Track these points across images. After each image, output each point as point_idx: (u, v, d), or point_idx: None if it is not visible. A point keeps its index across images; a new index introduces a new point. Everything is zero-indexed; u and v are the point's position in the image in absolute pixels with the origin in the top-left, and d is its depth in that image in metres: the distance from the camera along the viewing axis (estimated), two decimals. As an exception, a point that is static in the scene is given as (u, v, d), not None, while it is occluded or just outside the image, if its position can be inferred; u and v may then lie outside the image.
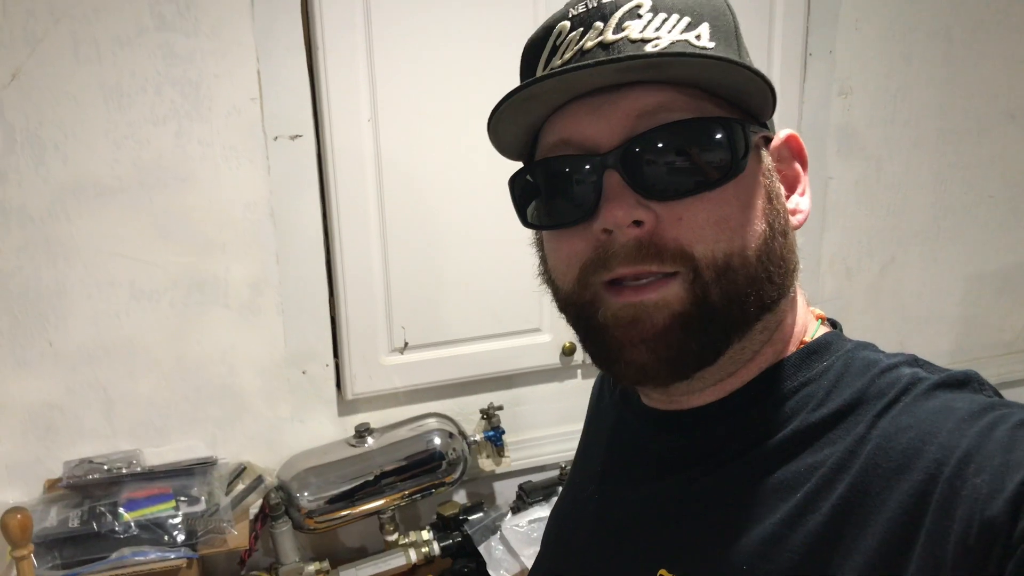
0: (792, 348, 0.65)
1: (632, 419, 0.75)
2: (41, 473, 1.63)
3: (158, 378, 1.66)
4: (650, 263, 0.58)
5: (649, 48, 0.58)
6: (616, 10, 0.60)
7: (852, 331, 0.70)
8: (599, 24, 0.60)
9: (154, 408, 1.67)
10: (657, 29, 0.59)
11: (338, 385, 1.80)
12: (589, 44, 0.60)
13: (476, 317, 1.83)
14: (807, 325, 0.67)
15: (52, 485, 1.62)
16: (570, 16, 0.62)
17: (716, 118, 0.60)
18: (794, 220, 0.65)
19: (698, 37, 0.60)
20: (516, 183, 0.67)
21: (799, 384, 0.63)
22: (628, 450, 0.75)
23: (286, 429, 1.77)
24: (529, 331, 1.87)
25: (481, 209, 1.75)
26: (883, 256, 2.21)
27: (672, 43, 0.59)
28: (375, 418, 1.80)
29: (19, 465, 1.61)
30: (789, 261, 0.63)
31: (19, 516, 1.33)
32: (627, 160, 0.59)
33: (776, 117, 2.08)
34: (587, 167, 0.60)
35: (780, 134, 0.67)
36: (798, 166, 0.68)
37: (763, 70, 1.97)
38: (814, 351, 0.65)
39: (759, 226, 0.60)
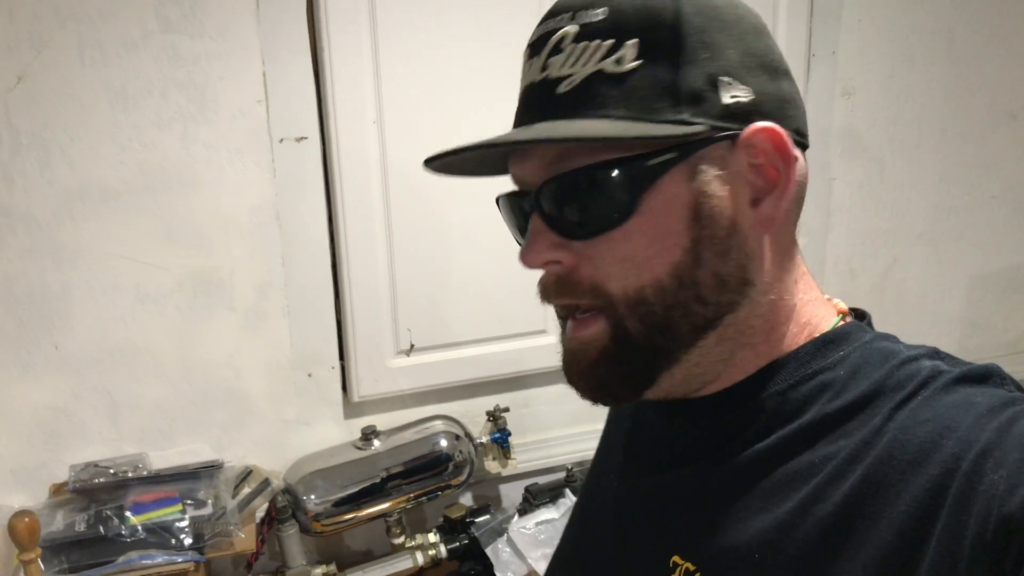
0: (800, 340, 0.64)
1: (648, 408, 0.76)
2: (47, 478, 1.62)
3: (164, 382, 1.66)
4: (568, 297, 0.64)
5: (562, 87, 0.59)
6: (546, 44, 0.61)
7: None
8: (534, 60, 0.63)
9: (160, 412, 1.67)
10: (572, 65, 0.59)
11: (344, 388, 1.80)
12: (525, 83, 0.64)
13: (482, 319, 1.83)
14: (818, 319, 0.65)
15: (58, 489, 1.62)
16: (529, 42, 0.64)
17: (606, 163, 0.59)
18: (758, 224, 0.61)
19: (619, 60, 0.58)
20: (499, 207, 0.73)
21: (813, 372, 0.62)
22: (645, 439, 0.76)
23: (292, 432, 1.77)
24: (534, 333, 1.87)
25: (486, 211, 1.74)
26: (887, 257, 2.21)
27: (585, 78, 0.59)
28: (381, 420, 1.80)
29: (25, 469, 1.61)
30: (729, 276, 0.60)
31: (27, 519, 1.32)
32: (540, 204, 0.63)
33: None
34: (520, 207, 0.67)
35: (750, 127, 0.60)
36: (777, 161, 0.61)
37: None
38: (830, 341, 0.64)
39: (673, 255, 0.59)
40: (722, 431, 0.65)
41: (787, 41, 1.91)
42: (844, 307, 0.69)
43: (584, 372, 0.64)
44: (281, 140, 1.63)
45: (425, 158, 0.66)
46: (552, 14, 0.62)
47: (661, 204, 0.59)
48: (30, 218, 1.51)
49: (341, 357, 1.78)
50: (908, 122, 2.13)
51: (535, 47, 0.63)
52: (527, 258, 0.64)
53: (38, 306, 1.55)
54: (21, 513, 1.33)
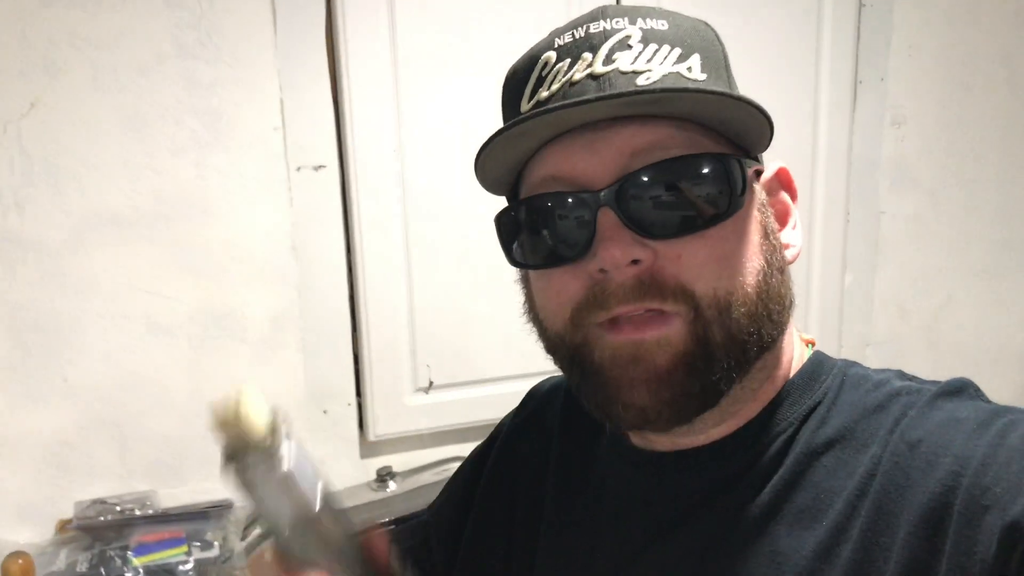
0: (791, 372, 0.65)
1: (630, 462, 0.68)
2: (53, 513, 1.58)
3: (174, 415, 1.61)
4: (652, 300, 0.56)
5: (641, 81, 0.57)
6: (605, 40, 0.58)
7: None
8: (587, 55, 0.58)
9: (169, 447, 1.62)
10: (648, 61, 0.58)
11: (360, 425, 1.73)
12: (578, 76, 0.58)
13: (506, 354, 1.75)
14: (799, 351, 0.67)
15: (63, 526, 1.57)
16: (556, 47, 0.61)
17: (713, 154, 0.58)
18: (788, 255, 0.64)
19: (689, 69, 0.59)
20: (503, 220, 0.65)
21: (808, 408, 0.62)
22: (634, 497, 0.67)
23: (306, 471, 1.70)
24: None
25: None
26: (940, 295, 2.09)
27: (664, 75, 0.57)
28: (398, 461, 1.72)
29: (31, 504, 1.56)
30: (786, 297, 0.62)
31: (20, 561, 1.29)
32: (622, 198, 0.57)
33: (825, 148, 1.97)
34: (580, 205, 0.58)
35: (771, 167, 0.66)
36: (787, 199, 0.67)
37: (810, 98, 1.86)
38: (813, 372, 0.64)
39: (757, 263, 0.59)
40: (727, 477, 0.62)
41: (831, 67, 1.82)
42: (808, 337, 0.70)
43: (650, 377, 0.56)
44: (298, 168, 1.58)
45: (509, 124, 0.58)
46: (600, 16, 0.60)
47: (748, 211, 0.60)
48: (41, 246, 1.48)
49: (358, 393, 1.71)
50: (963, 153, 2.02)
51: (582, 44, 0.59)
52: (613, 254, 0.56)
53: (47, 336, 1.51)
54: (15, 555, 1.30)
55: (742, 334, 0.58)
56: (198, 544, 1.53)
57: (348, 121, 1.57)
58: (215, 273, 1.57)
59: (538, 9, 1.62)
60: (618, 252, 0.56)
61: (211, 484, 1.65)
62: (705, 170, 0.57)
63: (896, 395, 0.60)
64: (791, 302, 0.63)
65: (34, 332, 1.51)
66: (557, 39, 0.61)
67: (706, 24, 0.64)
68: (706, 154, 0.58)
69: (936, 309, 2.09)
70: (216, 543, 1.53)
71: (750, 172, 0.61)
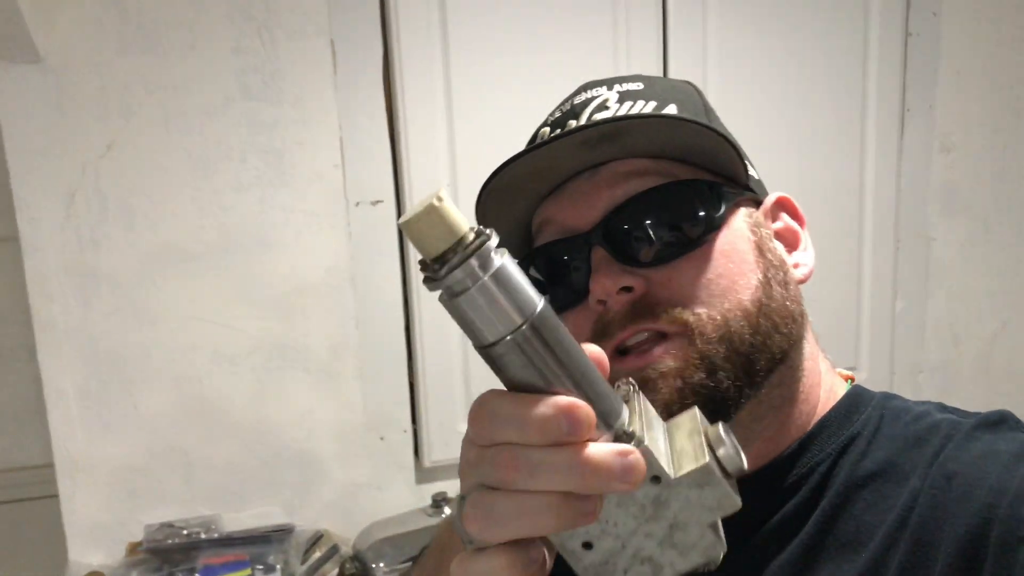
0: (828, 407, 0.66)
1: None
2: (124, 536, 1.64)
3: (237, 442, 1.66)
4: (646, 322, 0.59)
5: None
6: (586, 107, 0.64)
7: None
8: (572, 122, 0.64)
9: (233, 472, 1.67)
10: (626, 113, 0.63)
11: (416, 452, 1.77)
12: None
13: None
14: (837, 386, 0.68)
15: (133, 548, 1.63)
16: (549, 122, 0.68)
17: (685, 180, 0.62)
18: (798, 273, 0.67)
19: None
20: None
21: (846, 439, 0.63)
22: None
23: (363, 496, 1.75)
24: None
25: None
26: (994, 321, 2.07)
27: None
28: (453, 487, 1.76)
29: (103, 527, 1.63)
30: (793, 311, 0.64)
31: (96, 581, 1.33)
32: (608, 234, 0.61)
33: (873, 175, 1.97)
34: (574, 247, 0.63)
35: (770, 196, 0.69)
36: (795, 225, 0.70)
37: (856, 125, 1.87)
38: (851, 406, 0.65)
39: (753, 277, 0.61)
40: (770, 509, 0.63)
41: (878, 95, 1.83)
42: (847, 373, 0.72)
43: (658, 401, 0.57)
44: (357, 203, 1.64)
45: (501, 164, 0.63)
46: (583, 89, 0.67)
47: (735, 230, 0.63)
48: (114, 280, 1.56)
49: (413, 420, 1.76)
50: (1016, 178, 2.00)
51: (568, 114, 0.65)
52: (604, 284, 0.59)
53: (119, 366, 1.58)
54: (92, 574, 1.34)
55: (744, 346, 0.59)
56: (261, 567, 1.58)
57: (404, 158, 1.62)
58: (277, 304, 1.63)
59: (587, 47, 1.66)
60: (608, 281, 0.59)
61: (272, 509, 1.70)
62: (678, 195, 0.61)
63: (936, 427, 0.61)
64: (802, 316, 0.65)
65: (108, 362, 1.58)
66: (550, 117, 0.68)
67: (686, 82, 0.69)
68: (678, 181, 0.62)
69: (990, 336, 2.07)
70: (278, 566, 1.58)
71: (742, 196, 0.65)
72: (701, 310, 0.59)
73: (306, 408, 1.68)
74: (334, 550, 1.64)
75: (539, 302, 0.39)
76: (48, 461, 1.59)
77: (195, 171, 1.56)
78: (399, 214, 1.67)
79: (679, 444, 0.42)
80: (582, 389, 0.39)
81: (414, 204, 0.38)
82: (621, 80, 0.66)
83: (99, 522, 1.63)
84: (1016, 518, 0.51)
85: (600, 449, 0.38)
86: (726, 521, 0.59)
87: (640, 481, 0.39)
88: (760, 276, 0.62)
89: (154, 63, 1.51)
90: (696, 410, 0.43)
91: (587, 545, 0.42)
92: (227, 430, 1.66)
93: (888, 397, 0.66)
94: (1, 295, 1.87)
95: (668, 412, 0.56)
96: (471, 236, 0.37)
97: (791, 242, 0.69)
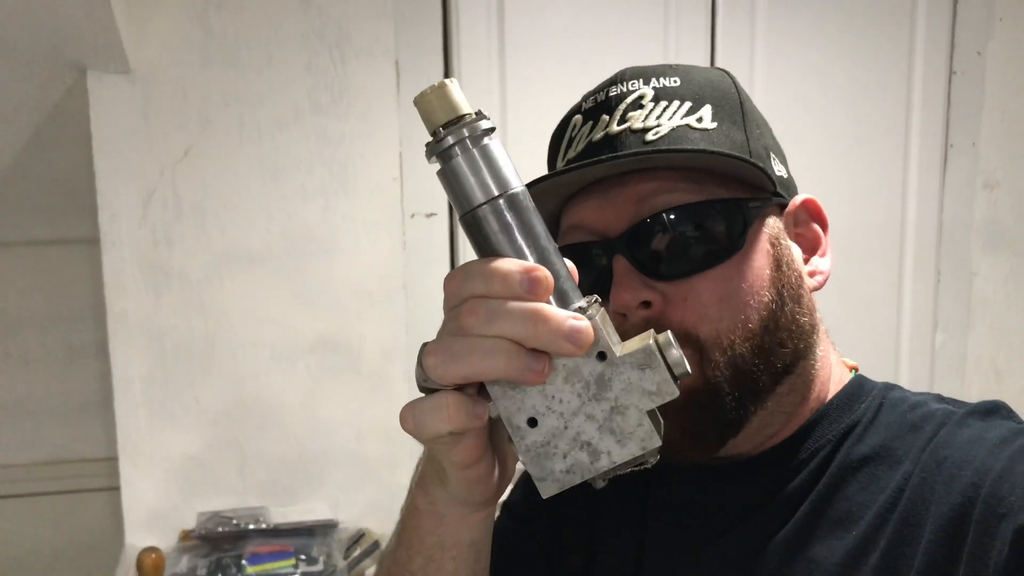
0: (828, 395, 0.68)
1: (680, 475, 0.71)
2: (177, 523, 1.72)
3: (289, 438, 1.74)
4: None
5: (650, 136, 0.63)
6: (620, 103, 0.65)
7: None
8: (605, 117, 0.65)
9: (283, 467, 1.75)
10: (658, 117, 0.64)
11: (458, 458, 1.82)
12: (597, 136, 0.65)
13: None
14: (845, 377, 0.71)
15: (186, 535, 1.71)
16: (583, 110, 0.68)
17: (710, 201, 0.63)
18: (812, 282, 0.69)
19: (699, 120, 0.64)
20: None
21: (847, 426, 0.66)
22: (677, 507, 0.71)
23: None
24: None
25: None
26: (1038, 359, 2.07)
27: (672, 129, 0.63)
28: (492, 493, 1.80)
29: (159, 514, 1.71)
30: (804, 324, 0.66)
31: (153, 556, 1.42)
32: (632, 245, 0.63)
33: (915, 210, 1.99)
34: (598, 251, 0.64)
35: (796, 198, 0.70)
36: (818, 228, 0.71)
37: (899, 161, 1.90)
38: (853, 393, 0.68)
39: (765, 297, 0.63)
40: (772, 489, 0.66)
41: (921, 132, 1.87)
42: (851, 363, 0.74)
43: (670, 416, 0.61)
44: (412, 215, 1.73)
45: (539, 178, 0.64)
46: (618, 80, 0.67)
47: (756, 247, 0.64)
48: (184, 277, 1.66)
49: (457, 427, 1.81)
50: (1060, 217, 2.02)
51: (602, 107, 0.66)
52: (625, 296, 0.61)
53: (184, 359, 1.68)
54: (149, 549, 1.43)
55: (747, 366, 0.62)
56: (304, 558, 1.64)
57: (459, 173, 1.71)
58: (334, 307, 1.72)
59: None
60: (628, 296, 0.61)
61: (318, 504, 1.77)
62: (703, 215, 0.63)
63: (931, 416, 0.63)
64: (812, 327, 0.67)
65: (173, 354, 1.68)
66: (584, 102, 0.69)
67: (723, 72, 0.69)
68: (702, 201, 0.63)
69: (1033, 373, 2.07)
70: (321, 558, 1.64)
71: (768, 207, 0.66)
72: (711, 332, 0.61)
73: (356, 409, 1.76)
74: (375, 546, 1.69)
75: (518, 186, 0.46)
76: (108, 454, 1.68)
77: (264, 178, 1.67)
78: (452, 227, 1.75)
79: (630, 345, 0.46)
80: (546, 267, 0.45)
81: (430, 84, 0.46)
82: (658, 74, 0.66)
83: (155, 509, 1.71)
84: (997, 496, 0.54)
85: (554, 309, 0.44)
86: (735, 502, 0.62)
87: (587, 346, 0.43)
88: (774, 293, 0.63)
89: (232, 76, 1.63)
90: (651, 330, 0.47)
91: (532, 422, 0.45)
92: (281, 426, 1.74)
93: (889, 387, 0.69)
94: (78, 295, 1.99)
95: (678, 423, 0.59)
96: (469, 116, 0.45)
97: (812, 246, 0.70)
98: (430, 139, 0.46)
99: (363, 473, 1.78)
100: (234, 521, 1.70)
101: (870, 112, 1.86)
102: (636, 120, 0.64)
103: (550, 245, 0.46)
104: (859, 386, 0.69)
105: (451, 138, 0.45)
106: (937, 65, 1.88)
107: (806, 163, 1.86)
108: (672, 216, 0.62)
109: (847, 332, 0.71)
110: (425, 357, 0.46)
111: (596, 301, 0.47)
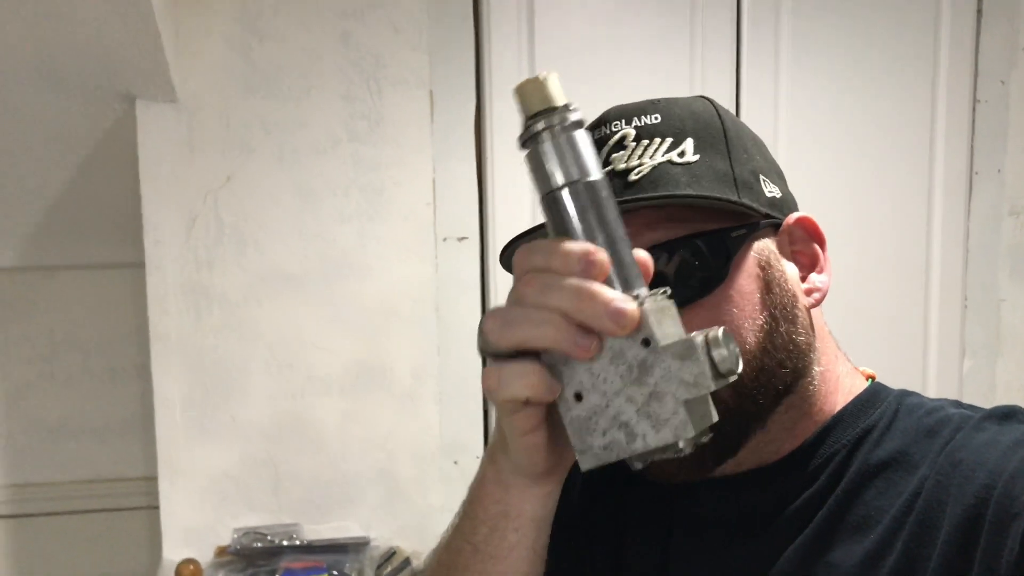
0: (844, 403, 0.70)
1: (700, 488, 0.72)
2: (213, 539, 1.76)
3: (323, 458, 1.78)
4: None
5: (632, 176, 0.65)
6: (604, 145, 0.67)
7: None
8: None
9: (317, 486, 1.79)
10: (640, 156, 0.66)
11: (487, 478, 1.85)
12: None
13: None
14: (857, 387, 0.71)
15: (222, 551, 1.74)
16: None
17: (689, 236, 0.65)
18: (809, 300, 0.69)
19: (681, 154, 0.66)
20: None
21: (862, 431, 0.67)
22: (703, 514, 0.72)
23: (437, 518, 1.83)
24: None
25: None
26: (1069, 387, 2.06)
27: (654, 168, 0.65)
28: (521, 514, 1.82)
29: (195, 530, 1.75)
30: (800, 343, 0.67)
31: (191, 567, 1.46)
32: None
33: (940, 236, 2.00)
34: None
35: (790, 217, 0.70)
36: (816, 246, 0.71)
37: (923, 188, 1.91)
38: (867, 400, 0.69)
39: (758, 320, 0.65)
40: (791, 495, 0.68)
41: (946, 159, 1.90)
42: (869, 371, 0.75)
43: None
44: (444, 239, 1.78)
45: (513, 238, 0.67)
46: (603, 122, 0.69)
47: (743, 273, 0.66)
48: (224, 298, 1.72)
49: (485, 447, 1.84)
50: (1088, 245, 2.02)
51: None
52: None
53: (222, 378, 1.73)
54: (187, 561, 1.47)
55: (748, 389, 0.63)
56: (337, 574, 1.67)
57: (490, 198, 1.76)
58: (367, 329, 1.77)
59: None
60: None
61: (351, 523, 1.80)
62: (684, 251, 0.64)
63: (947, 420, 0.65)
64: (809, 346, 0.68)
65: (212, 374, 1.73)
66: None
67: (705, 101, 0.71)
68: (683, 237, 0.64)
69: (1064, 400, 2.05)
70: (353, 575, 1.67)
71: (741, 236, 0.66)
72: None
73: (388, 429, 1.80)
74: (406, 563, 1.72)
75: (598, 175, 0.49)
76: (146, 474, 1.72)
77: (303, 203, 1.72)
78: (483, 251, 1.80)
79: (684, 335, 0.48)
80: (611, 252, 0.48)
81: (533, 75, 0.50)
82: (640, 112, 0.68)
83: (192, 525, 1.75)
84: (1010, 496, 0.55)
85: (605, 288, 0.46)
86: (754, 508, 0.63)
87: (629, 328, 0.46)
88: (766, 316, 0.65)
89: (273, 106, 1.70)
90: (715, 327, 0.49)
91: (578, 396, 0.48)
92: (315, 445, 1.78)
93: (905, 394, 0.70)
94: (121, 318, 2.05)
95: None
96: (562, 107, 0.49)
97: (811, 263, 0.71)
98: (528, 113, 0.50)
99: (394, 493, 1.81)
100: (268, 537, 1.74)
101: (895, 140, 1.89)
102: (619, 161, 0.66)
103: (620, 232, 0.49)
104: (874, 393, 0.70)
105: (542, 123, 0.49)
106: (961, 94, 1.91)
107: (831, 191, 1.91)
108: (656, 252, 0.62)
109: (874, 358, 0.72)
110: (484, 322, 0.50)
111: (664, 293, 0.49)
